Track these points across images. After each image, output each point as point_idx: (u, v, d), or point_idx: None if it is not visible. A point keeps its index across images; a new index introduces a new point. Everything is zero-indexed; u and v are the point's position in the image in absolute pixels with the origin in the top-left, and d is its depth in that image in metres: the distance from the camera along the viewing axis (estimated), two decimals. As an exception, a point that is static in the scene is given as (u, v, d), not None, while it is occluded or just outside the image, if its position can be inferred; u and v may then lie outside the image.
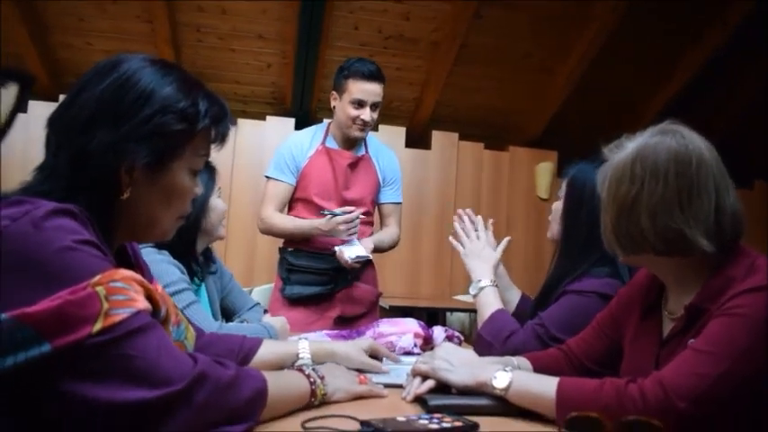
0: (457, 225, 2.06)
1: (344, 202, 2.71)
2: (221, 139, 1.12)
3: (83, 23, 4.59)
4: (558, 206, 1.92)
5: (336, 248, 2.56)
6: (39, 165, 1.02)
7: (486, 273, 1.94)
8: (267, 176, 2.79)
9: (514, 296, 2.15)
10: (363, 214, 2.70)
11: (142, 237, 1.13)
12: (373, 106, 2.70)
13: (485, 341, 1.77)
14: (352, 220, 2.56)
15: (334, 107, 2.77)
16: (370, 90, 2.68)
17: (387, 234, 2.86)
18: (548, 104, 5.37)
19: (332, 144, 2.79)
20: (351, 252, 2.54)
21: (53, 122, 1.02)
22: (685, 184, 1.22)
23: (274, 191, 2.76)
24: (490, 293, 1.89)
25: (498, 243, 2.10)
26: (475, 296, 1.92)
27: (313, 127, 2.91)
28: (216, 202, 1.98)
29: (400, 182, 2.95)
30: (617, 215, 1.28)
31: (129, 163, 1.00)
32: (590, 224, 1.75)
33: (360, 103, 2.67)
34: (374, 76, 2.69)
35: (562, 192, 1.90)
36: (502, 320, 1.81)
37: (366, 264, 2.76)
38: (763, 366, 1.10)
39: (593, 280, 1.74)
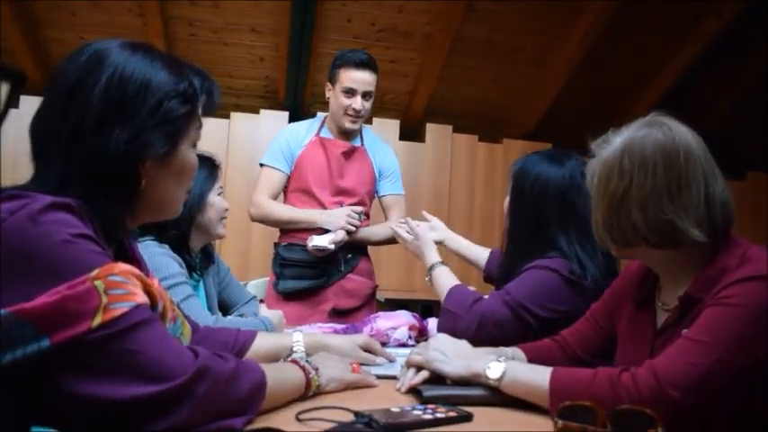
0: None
1: (338, 192, 2.72)
2: (213, 108, 1.14)
3: (75, 18, 4.57)
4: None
5: (310, 236, 2.56)
6: (37, 174, 1.00)
7: (430, 255, 2.02)
8: (262, 164, 2.80)
9: (481, 254, 2.27)
10: (358, 204, 2.71)
11: (157, 218, 1.14)
12: (365, 95, 2.71)
13: (449, 313, 1.77)
14: (358, 213, 2.61)
15: (329, 98, 2.78)
16: (360, 78, 2.68)
17: (380, 227, 2.83)
18: (542, 97, 5.37)
19: (327, 135, 2.80)
20: (315, 240, 2.53)
21: (49, 129, 1.00)
22: (674, 176, 1.22)
23: (268, 178, 2.76)
24: (443, 273, 1.94)
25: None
26: (429, 279, 1.97)
27: (310, 119, 2.93)
28: (215, 200, 1.97)
29: (399, 174, 2.93)
30: (608, 210, 1.29)
31: (146, 155, 1.01)
32: (534, 216, 1.79)
33: (351, 92, 2.68)
34: (365, 64, 2.69)
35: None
36: (462, 291, 1.82)
37: (360, 256, 2.77)
38: (757, 355, 1.11)
39: (546, 260, 1.76)
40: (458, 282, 1.88)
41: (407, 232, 2.13)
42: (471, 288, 1.87)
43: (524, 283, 1.74)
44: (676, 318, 1.27)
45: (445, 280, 1.90)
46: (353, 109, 2.69)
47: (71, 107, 0.99)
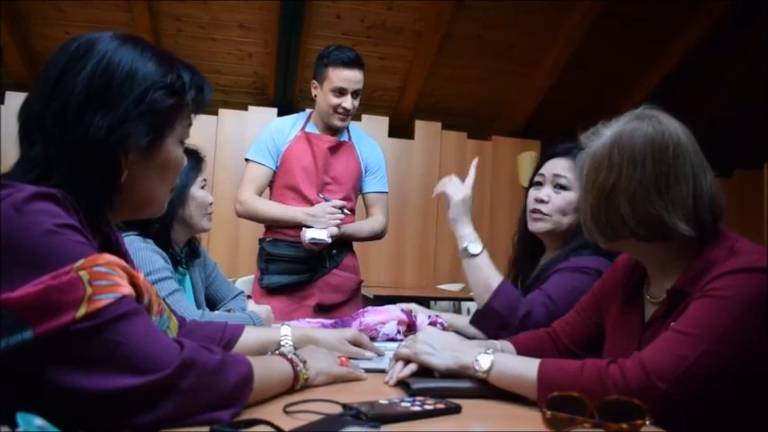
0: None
1: (325, 186, 2.71)
2: (203, 106, 1.14)
3: (61, 13, 4.54)
4: None
5: (303, 229, 2.56)
6: (21, 160, 1.00)
7: (473, 235, 1.82)
8: (247, 159, 2.79)
9: None
10: (344, 199, 2.70)
11: (139, 214, 1.13)
12: (354, 93, 2.71)
13: (499, 315, 1.69)
14: (339, 208, 2.59)
15: (315, 96, 2.76)
16: (350, 77, 2.67)
17: (367, 223, 2.84)
18: (531, 94, 5.38)
19: (312, 130, 2.79)
20: (311, 233, 2.53)
21: (34, 115, 1.00)
22: (663, 170, 1.23)
23: (254, 174, 2.75)
24: (486, 261, 1.78)
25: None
26: (473, 257, 1.79)
27: (295, 114, 2.91)
28: (198, 193, 1.96)
29: (384, 171, 2.93)
30: (596, 203, 1.29)
31: (128, 145, 1.00)
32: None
33: (341, 91, 2.67)
34: (354, 63, 2.68)
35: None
36: (512, 295, 1.73)
37: (345, 251, 2.76)
38: (744, 347, 1.11)
39: (582, 258, 1.76)
40: (500, 275, 1.77)
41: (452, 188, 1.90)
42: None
43: (565, 290, 1.71)
44: (664, 311, 1.27)
45: (489, 270, 1.76)
46: (344, 108, 2.68)
47: (56, 93, 0.99)
